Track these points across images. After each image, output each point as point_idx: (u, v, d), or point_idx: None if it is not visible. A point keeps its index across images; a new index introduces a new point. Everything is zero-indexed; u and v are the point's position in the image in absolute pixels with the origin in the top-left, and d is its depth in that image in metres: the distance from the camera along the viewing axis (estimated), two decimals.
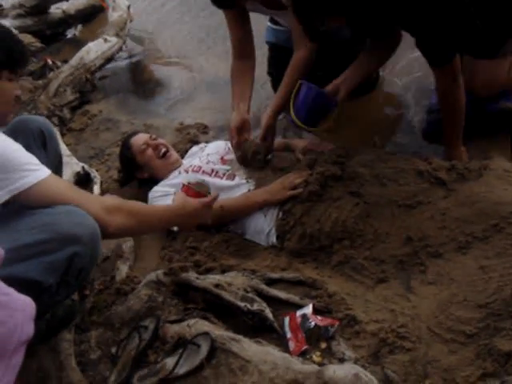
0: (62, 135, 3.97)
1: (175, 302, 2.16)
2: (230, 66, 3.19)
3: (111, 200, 2.08)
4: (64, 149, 3.46)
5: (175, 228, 2.75)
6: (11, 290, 1.42)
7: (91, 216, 1.84)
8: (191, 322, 1.98)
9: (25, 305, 1.43)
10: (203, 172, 2.87)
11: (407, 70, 3.44)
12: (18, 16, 5.64)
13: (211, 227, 2.68)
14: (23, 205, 1.80)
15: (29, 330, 1.43)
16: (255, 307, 1.99)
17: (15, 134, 2.00)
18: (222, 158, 2.94)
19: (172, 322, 2.04)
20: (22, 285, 1.62)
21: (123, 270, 2.57)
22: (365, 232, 2.24)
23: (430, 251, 2.12)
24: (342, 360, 1.78)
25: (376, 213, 2.26)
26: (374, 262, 2.17)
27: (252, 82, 3.10)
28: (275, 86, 3.47)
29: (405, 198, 2.26)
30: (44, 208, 1.79)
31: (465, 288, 1.94)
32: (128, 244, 2.75)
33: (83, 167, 3.39)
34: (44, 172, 1.83)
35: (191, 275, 2.20)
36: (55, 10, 5.96)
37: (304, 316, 1.93)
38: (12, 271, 1.65)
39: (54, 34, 5.95)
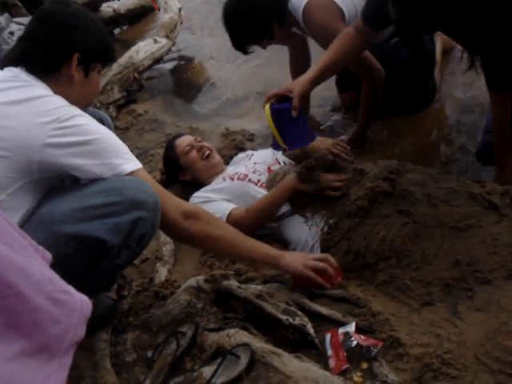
0: None
1: (214, 309, 2.13)
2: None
3: (196, 208, 2.14)
4: None
5: None
6: (71, 288, 1.42)
7: (167, 214, 1.94)
8: (231, 331, 1.94)
9: (82, 305, 1.42)
10: (249, 180, 2.86)
11: (465, 86, 3.39)
12: None
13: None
14: None
15: (81, 331, 1.42)
16: (297, 321, 1.95)
17: None
18: (269, 168, 2.92)
19: (211, 330, 2.01)
20: (87, 243, 1.77)
21: (162, 273, 2.56)
22: (412, 252, 2.18)
23: (479, 277, 2.05)
24: (384, 382, 1.72)
25: (425, 233, 2.20)
26: (420, 283, 2.11)
27: None
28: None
29: (455, 221, 2.20)
30: None
31: None
32: (168, 247, 2.74)
33: None
34: (138, 163, 1.94)
35: (233, 284, 2.17)
36: (106, 8, 6.03)
37: (346, 334, 1.88)
38: (79, 229, 1.75)
39: None
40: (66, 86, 2.01)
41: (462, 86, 3.45)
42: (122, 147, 1.93)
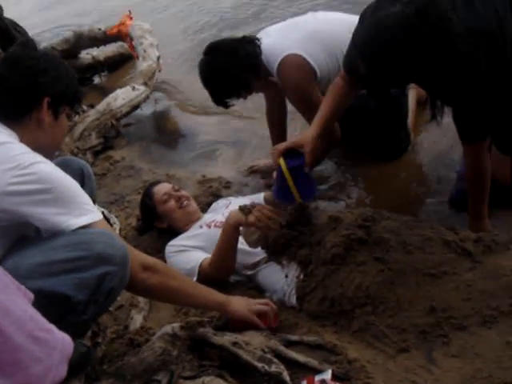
0: None
1: (190, 357, 2.11)
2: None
3: (154, 260, 2.12)
4: None
5: None
6: (52, 327, 1.41)
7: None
8: (206, 379, 1.92)
9: (64, 344, 1.41)
10: None
11: (439, 135, 3.44)
12: None
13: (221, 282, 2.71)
14: None
15: (63, 371, 1.41)
16: (273, 369, 1.93)
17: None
18: None
19: (186, 378, 1.98)
20: (51, 298, 1.73)
21: (137, 319, 2.54)
22: (388, 299, 2.19)
23: (454, 323, 2.06)
24: None
25: (400, 280, 2.21)
26: (396, 330, 2.11)
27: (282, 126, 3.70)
28: None
29: (430, 267, 2.22)
30: None
31: (490, 364, 1.87)
32: None
33: (103, 212, 3.37)
34: (98, 215, 1.92)
35: (208, 331, 2.16)
36: (85, 55, 6.09)
37: (323, 381, 1.87)
38: (43, 284, 1.72)
39: (82, 79, 6.03)
40: (36, 131, 2.01)
41: (437, 135, 3.51)
42: (83, 198, 1.91)
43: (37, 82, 2.01)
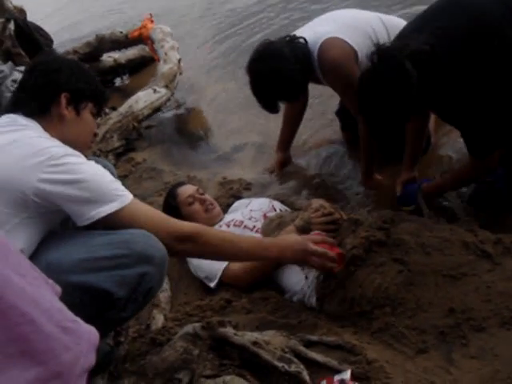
0: None
1: (211, 356, 2.13)
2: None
3: (191, 227, 2.12)
4: None
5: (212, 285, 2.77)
6: (78, 319, 1.44)
7: (161, 240, 1.95)
8: (227, 378, 1.95)
9: (90, 333, 1.44)
10: (245, 227, 2.88)
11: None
12: None
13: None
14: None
15: (92, 358, 1.44)
16: (292, 368, 1.95)
17: None
18: (264, 215, 2.94)
19: (207, 377, 2.01)
20: (93, 293, 1.81)
21: (159, 319, 2.57)
22: (407, 300, 2.19)
23: (473, 324, 2.06)
24: None
25: (419, 281, 2.22)
26: (415, 331, 2.12)
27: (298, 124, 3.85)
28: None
29: (449, 269, 2.23)
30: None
31: (509, 365, 1.87)
32: (165, 294, 2.75)
33: None
34: (129, 196, 1.94)
35: (229, 331, 2.17)
36: (107, 58, 6.18)
37: (342, 381, 1.89)
38: (86, 279, 1.80)
39: (104, 82, 6.09)
40: (60, 126, 2.08)
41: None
42: (111, 184, 1.94)
43: (52, 80, 2.09)
